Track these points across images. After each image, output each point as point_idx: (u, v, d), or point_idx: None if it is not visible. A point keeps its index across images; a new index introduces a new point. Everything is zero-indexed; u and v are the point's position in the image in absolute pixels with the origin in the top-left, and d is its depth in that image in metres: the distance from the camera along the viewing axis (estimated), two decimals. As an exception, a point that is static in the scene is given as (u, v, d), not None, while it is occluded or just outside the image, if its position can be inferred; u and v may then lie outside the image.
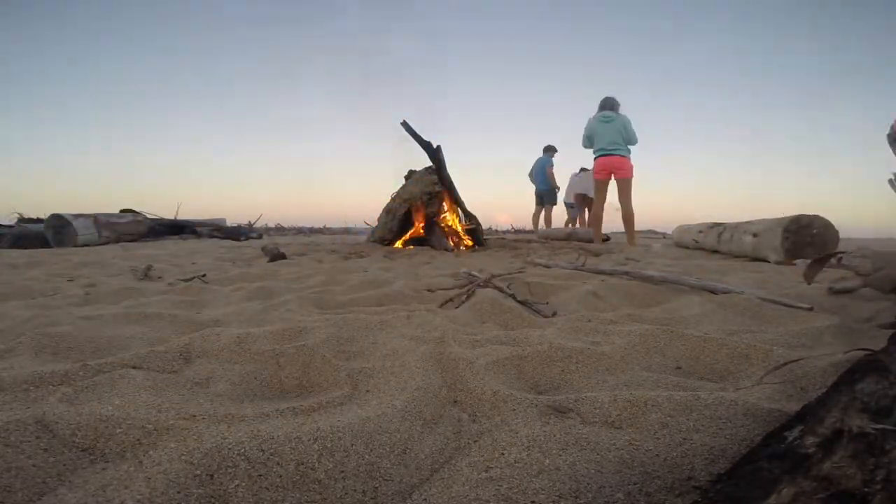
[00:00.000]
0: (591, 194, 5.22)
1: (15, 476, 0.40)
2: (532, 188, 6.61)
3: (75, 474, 0.42)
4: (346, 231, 9.30)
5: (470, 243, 3.50)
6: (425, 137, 3.59)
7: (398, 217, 3.61)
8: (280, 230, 9.18)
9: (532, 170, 6.64)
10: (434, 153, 3.60)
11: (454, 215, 3.60)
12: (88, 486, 0.39)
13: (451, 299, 1.19)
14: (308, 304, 1.14)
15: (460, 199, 3.65)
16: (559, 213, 6.77)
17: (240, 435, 0.44)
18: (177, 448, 0.43)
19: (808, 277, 1.17)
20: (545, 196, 6.60)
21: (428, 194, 3.45)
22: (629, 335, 0.81)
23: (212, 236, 5.44)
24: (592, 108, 4.12)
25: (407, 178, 3.79)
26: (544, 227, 6.17)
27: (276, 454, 0.42)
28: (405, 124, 3.59)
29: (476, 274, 1.51)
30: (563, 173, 6.59)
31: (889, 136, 1.47)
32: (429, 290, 1.36)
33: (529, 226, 7.39)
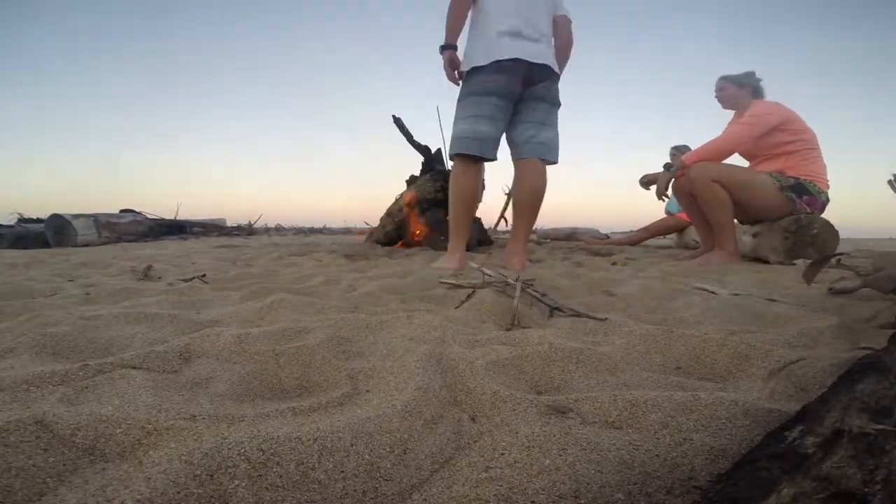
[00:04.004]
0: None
1: (15, 476, 0.40)
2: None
3: (75, 474, 0.42)
4: (347, 231, 9.30)
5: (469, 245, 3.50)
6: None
7: (398, 220, 3.61)
8: (280, 230, 9.18)
9: None
10: (432, 157, 3.58)
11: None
12: (88, 486, 0.39)
13: (451, 299, 1.19)
14: (307, 304, 1.14)
15: None
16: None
17: (240, 435, 0.44)
18: (177, 448, 0.43)
19: (808, 279, 1.17)
20: None
21: (428, 201, 3.45)
22: (629, 335, 0.81)
23: (215, 234, 5.44)
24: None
25: (409, 182, 3.80)
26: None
27: (276, 454, 0.42)
28: (398, 122, 3.51)
29: (474, 265, 1.51)
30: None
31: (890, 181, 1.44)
32: (428, 290, 1.36)
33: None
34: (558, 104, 2.09)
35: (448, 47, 2.02)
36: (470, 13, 2.05)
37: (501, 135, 2.04)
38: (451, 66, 2.05)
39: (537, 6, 2.00)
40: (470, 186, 2.02)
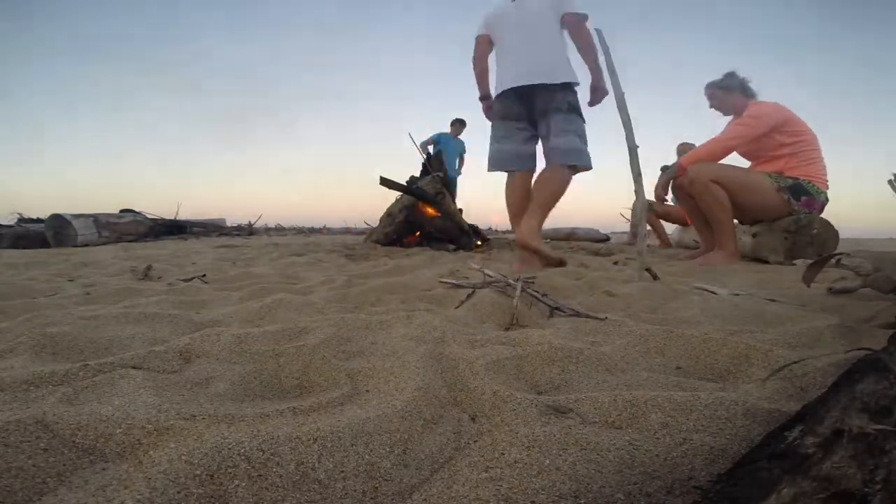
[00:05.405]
0: None
1: (15, 476, 0.40)
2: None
3: (75, 474, 0.42)
4: (347, 231, 9.30)
5: (471, 244, 3.50)
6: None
7: (398, 220, 3.62)
8: (280, 230, 9.18)
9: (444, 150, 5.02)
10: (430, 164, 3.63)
11: (453, 218, 3.61)
12: (88, 486, 0.39)
13: (451, 299, 1.19)
14: (307, 303, 1.14)
15: (453, 205, 3.67)
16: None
17: (240, 435, 0.44)
18: (177, 448, 0.43)
19: (807, 280, 1.17)
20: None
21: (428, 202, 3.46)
22: (629, 335, 0.81)
23: (213, 235, 5.44)
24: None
25: (409, 183, 3.80)
26: None
27: (276, 454, 0.42)
28: (385, 182, 3.44)
29: (475, 267, 1.51)
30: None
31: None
32: (428, 290, 1.36)
33: None
34: (570, 110, 2.16)
35: (484, 98, 2.41)
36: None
37: (524, 149, 2.29)
38: (487, 113, 2.43)
39: (537, 36, 2.17)
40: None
